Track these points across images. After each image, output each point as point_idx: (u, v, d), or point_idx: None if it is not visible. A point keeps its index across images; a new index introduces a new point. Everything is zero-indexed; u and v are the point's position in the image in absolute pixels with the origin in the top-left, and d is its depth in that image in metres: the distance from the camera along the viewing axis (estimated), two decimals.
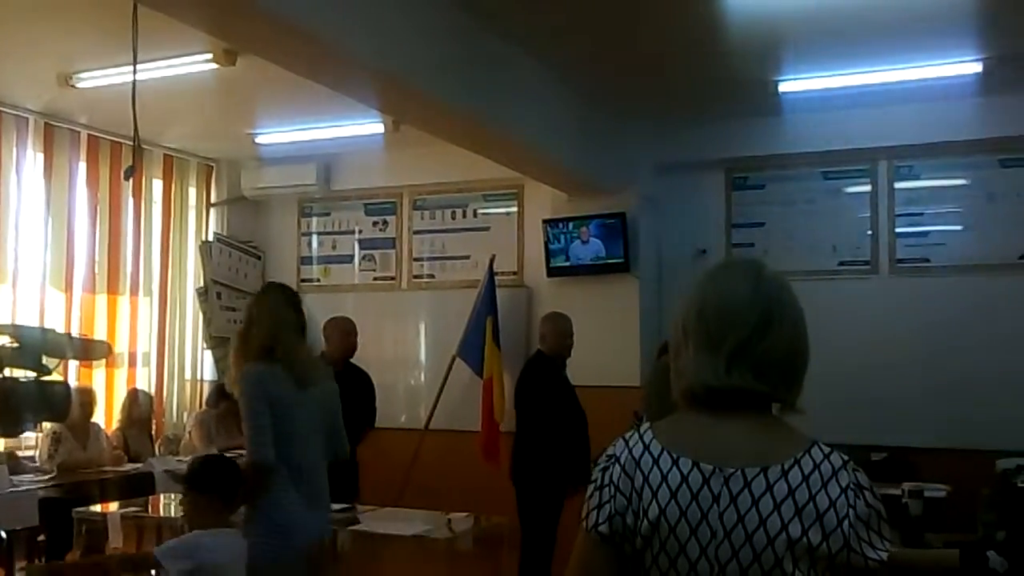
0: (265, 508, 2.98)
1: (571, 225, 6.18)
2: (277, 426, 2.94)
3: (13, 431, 1.27)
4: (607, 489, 1.38)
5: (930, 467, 4.92)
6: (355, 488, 4.85)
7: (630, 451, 1.39)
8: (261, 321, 3.08)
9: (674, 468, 1.34)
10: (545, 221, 6.28)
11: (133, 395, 6.14)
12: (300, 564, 2.99)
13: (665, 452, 1.36)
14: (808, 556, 1.29)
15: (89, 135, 6.28)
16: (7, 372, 1.35)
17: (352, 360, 5.29)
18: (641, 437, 1.40)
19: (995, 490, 4.03)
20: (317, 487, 3.12)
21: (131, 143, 4.95)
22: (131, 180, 6.24)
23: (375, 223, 7.23)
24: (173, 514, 4.63)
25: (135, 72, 3.51)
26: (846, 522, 1.30)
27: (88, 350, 1.79)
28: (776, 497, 1.30)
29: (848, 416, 5.04)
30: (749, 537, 1.30)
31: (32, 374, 1.38)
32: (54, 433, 5.42)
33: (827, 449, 1.36)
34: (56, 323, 6.00)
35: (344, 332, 5.23)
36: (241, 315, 7.19)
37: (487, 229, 6.86)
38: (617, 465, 1.39)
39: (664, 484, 1.34)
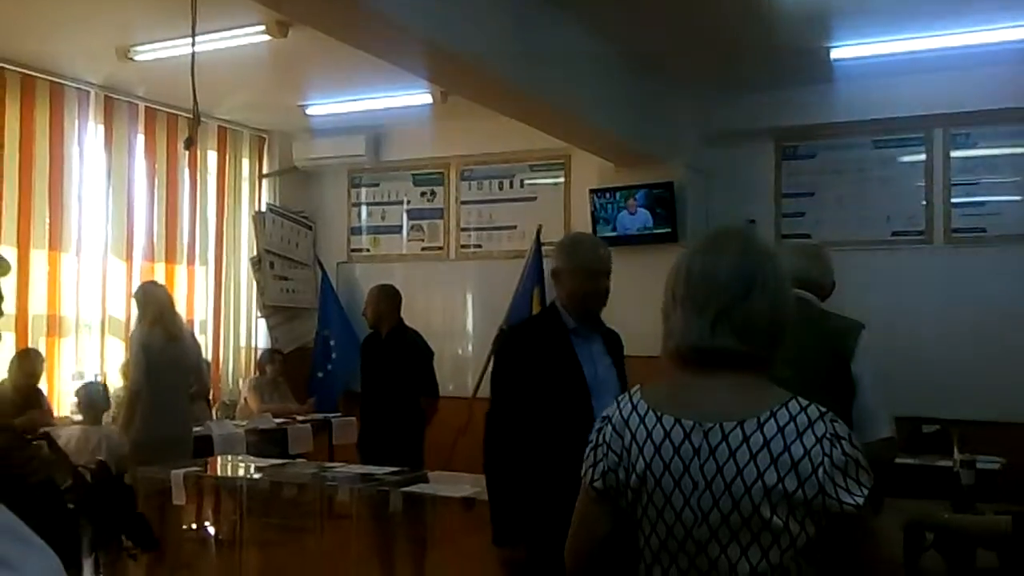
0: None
1: (618, 195, 6.16)
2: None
3: None
4: (601, 448, 1.50)
5: (984, 440, 4.78)
6: (419, 456, 4.98)
7: (620, 412, 1.50)
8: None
9: (658, 425, 1.45)
10: (592, 191, 6.27)
11: None
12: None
13: (651, 411, 1.47)
14: (785, 502, 1.35)
15: (147, 107, 6.44)
16: None
17: (408, 325, 5.21)
18: (630, 398, 1.51)
19: None
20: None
21: (187, 115, 5.06)
22: (188, 151, 6.37)
23: (423, 193, 7.30)
24: (231, 474, 4.79)
25: (193, 44, 3.59)
26: (820, 469, 1.35)
27: None
28: (752, 448, 1.37)
29: (900, 388, 4.92)
30: (728, 486, 1.38)
31: None
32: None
33: (804, 402, 1.42)
34: (117, 292, 6.21)
35: (376, 298, 5.18)
36: (294, 285, 7.39)
37: (534, 199, 6.89)
38: (609, 425, 1.51)
39: (649, 440, 1.44)
